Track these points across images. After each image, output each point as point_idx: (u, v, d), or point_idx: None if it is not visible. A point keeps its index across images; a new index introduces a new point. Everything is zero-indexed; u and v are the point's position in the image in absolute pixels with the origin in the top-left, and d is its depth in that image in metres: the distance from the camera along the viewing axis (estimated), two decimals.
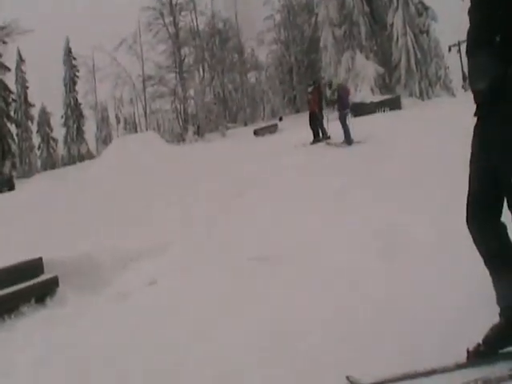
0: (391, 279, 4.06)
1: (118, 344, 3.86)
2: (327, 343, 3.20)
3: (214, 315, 4.08)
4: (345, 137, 14.85)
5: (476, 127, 2.74)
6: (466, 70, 2.75)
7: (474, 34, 2.66)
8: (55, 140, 54.41)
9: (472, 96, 2.74)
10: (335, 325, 3.45)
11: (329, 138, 16.47)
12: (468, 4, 2.69)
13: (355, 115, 26.16)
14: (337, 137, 15.37)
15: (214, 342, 3.55)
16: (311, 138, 17.37)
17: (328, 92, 24.90)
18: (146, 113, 45.47)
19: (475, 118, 2.74)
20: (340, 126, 15.14)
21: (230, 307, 4.20)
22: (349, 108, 15.82)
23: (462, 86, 33.83)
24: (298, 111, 44.75)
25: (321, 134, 17.21)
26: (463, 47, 2.91)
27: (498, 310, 2.77)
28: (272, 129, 31.54)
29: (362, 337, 3.20)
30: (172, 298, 4.75)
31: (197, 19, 46.39)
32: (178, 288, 5.01)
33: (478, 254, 2.76)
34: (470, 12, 2.70)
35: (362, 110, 28.07)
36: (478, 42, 2.61)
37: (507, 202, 2.65)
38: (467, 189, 2.78)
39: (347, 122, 15.03)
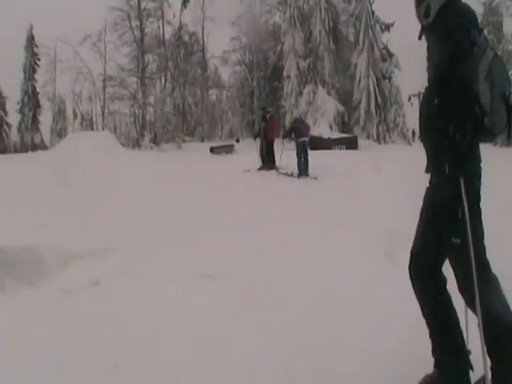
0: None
1: (54, 339, 3.79)
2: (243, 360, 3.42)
3: (153, 323, 4.11)
4: (298, 168, 15.44)
5: (430, 181, 2.87)
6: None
7: (427, 93, 2.82)
8: (9, 125, 52.79)
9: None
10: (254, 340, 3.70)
11: (276, 167, 16.89)
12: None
13: (312, 148, 27.01)
14: (292, 167, 15.93)
15: (151, 349, 3.60)
16: (264, 163, 17.74)
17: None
18: (103, 112, 44.75)
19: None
20: (296, 157, 15.66)
21: (170, 316, 4.24)
22: (305, 140, 15.93)
23: (419, 137, 35.06)
24: (255, 136, 44.26)
25: (274, 162, 17.52)
26: None
27: None
28: (228, 149, 31.65)
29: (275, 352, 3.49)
30: (113, 300, 4.70)
31: (163, 28, 46.23)
32: (120, 291, 4.95)
33: None
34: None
35: (319, 144, 28.74)
36: (427, 100, 2.78)
37: (449, 259, 2.82)
38: (414, 236, 2.92)
39: (302, 154, 15.51)
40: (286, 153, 16.93)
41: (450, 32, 2.59)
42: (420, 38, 2.93)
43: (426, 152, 2.88)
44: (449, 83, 2.49)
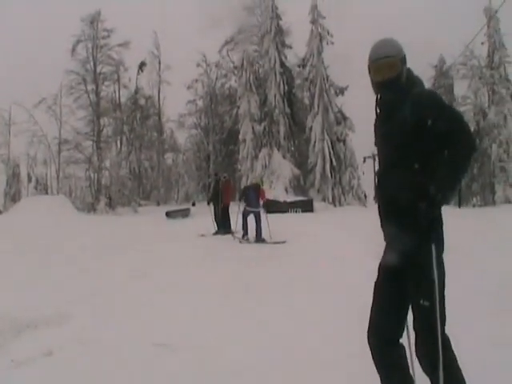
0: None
1: None
2: None
3: None
4: (242, 229, 15.66)
5: (385, 250, 3.02)
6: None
7: (392, 158, 2.93)
8: None
9: (379, 220, 3.03)
10: None
11: (232, 232, 16.83)
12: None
13: (267, 211, 26.87)
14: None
15: None
16: (219, 227, 17.91)
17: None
18: (58, 176, 43.89)
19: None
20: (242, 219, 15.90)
21: None
22: (254, 210, 15.88)
23: (374, 198, 35.66)
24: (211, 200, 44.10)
25: (230, 226, 17.55)
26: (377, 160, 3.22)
27: None
28: (184, 213, 31.41)
29: None
30: (64, 372, 4.59)
31: (119, 91, 46.36)
32: (72, 362, 4.83)
33: None
34: (383, 136, 3.04)
35: (274, 207, 28.71)
36: (397, 165, 2.89)
37: (413, 322, 2.84)
38: (371, 306, 3.00)
39: (255, 219, 15.57)
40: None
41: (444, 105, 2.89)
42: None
43: (388, 220, 2.97)
44: (453, 146, 2.67)
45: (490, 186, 36.48)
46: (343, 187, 37.59)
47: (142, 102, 49.70)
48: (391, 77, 2.93)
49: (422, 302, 2.69)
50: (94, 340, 5.52)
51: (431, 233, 2.71)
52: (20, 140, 43.78)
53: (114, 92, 46.01)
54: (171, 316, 6.53)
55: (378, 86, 3.01)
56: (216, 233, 17.56)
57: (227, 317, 6.39)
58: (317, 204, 32.58)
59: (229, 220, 17.87)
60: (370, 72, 3.05)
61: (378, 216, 3.07)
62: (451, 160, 2.63)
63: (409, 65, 3.05)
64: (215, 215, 18.46)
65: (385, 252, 3.01)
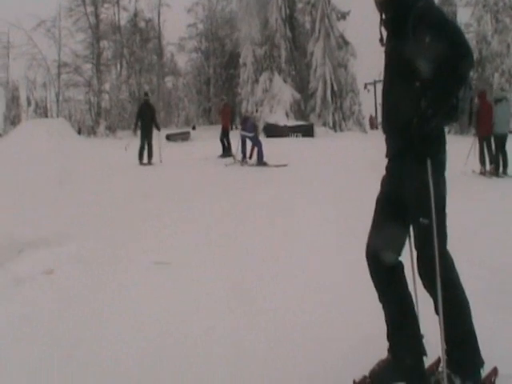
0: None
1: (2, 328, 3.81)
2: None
3: (107, 313, 4.11)
4: (257, 157, 15.99)
5: (387, 167, 3.00)
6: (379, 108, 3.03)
7: (394, 76, 2.89)
8: None
9: (383, 136, 3.02)
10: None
11: (232, 155, 17.25)
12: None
13: (267, 136, 27.14)
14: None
15: (103, 341, 3.59)
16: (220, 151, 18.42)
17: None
18: (58, 100, 43.69)
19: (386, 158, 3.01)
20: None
21: (120, 306, 4.26)
22: (252, 132, 16.23)
23: (382, 123, 35.40)
24: (211, 123, 44.65)
25: (229, 150, 18.08)
26: (379, 87, 3.24)
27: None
28: (184, 136, 31.63)
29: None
30: (65, 290, 4.69)
31: (119, 14, 45.67)
32: (73, 280, 4.93)
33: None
34: (386, 54, 2.94)
35: (275, 131, 28.92)
36: (398, 83, 2.85)
37: (413, 241, 2.85)
38: (371, 222, 3.00)
39: (259, 144, 16.07)
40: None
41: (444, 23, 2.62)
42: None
43: (390, 137, 2.96)
44: (446, 66, 2.52)
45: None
46: (344, 113, 37.27)
47: (141, 24, 48.88)
48: None
49: (421, 219, 2.69)
50: (94, 259, 5.67)
51: (427, 149, 2.67)
52: (19, 63, 43.39)
53: (114, 14, 45.35)
54: (171, 237, 6.70)
55: (380, 4, 2.89)
56: (221, 156, 18.08)
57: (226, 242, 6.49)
58: (317, 129, 32.53)
59: (228, 143, 18.35)
60: None
61: (381, 137, 3.11)
62: (445, 75, 2.54)
63: None
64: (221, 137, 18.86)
65: (386, 168, 3.00)
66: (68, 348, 3.46)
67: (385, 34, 2.95)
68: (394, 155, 2.92)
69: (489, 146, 13.49)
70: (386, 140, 2.99)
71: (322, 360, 3.19)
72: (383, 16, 2.92)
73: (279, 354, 3.32)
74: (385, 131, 3.00)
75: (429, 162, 2.66)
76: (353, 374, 2.84)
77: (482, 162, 13.59)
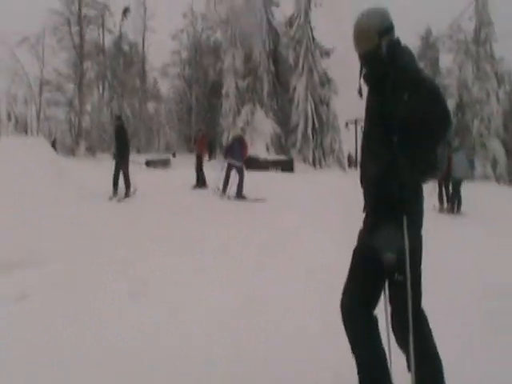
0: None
1: None
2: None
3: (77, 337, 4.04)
4: (237, 190, 15.38)
5: (364, 221, 2.98)
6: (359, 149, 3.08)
7: (372, 130, 2.91)
8: None
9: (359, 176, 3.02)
10: None
11: (206, 186, 17.12)
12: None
13: (247, 168, 27.06)
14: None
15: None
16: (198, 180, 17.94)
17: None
18: (39, 117, 43.31)
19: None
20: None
21: (98, 332, 4.19)
22: (241, 162, 15.78)
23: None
24: (192, 151, 44.12)
25: (202, 181, 17.77)
26: (359, 125, 3.22)
27: None
28: (165, 163, 31.54)
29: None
30: (38, 315, 4.56)
31: (104, 35, 45.59)
32: (47, 306, 4.82)
33: None
34: (366, 108, 2.99)
35: (255, 164, 28.88)
36: (377, 138, 2.85)
37: (388, 295, 2.87)
38: (347, 273, 2.98)
39: (242, 176, 15.48)
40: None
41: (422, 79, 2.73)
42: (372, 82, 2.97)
43: (366, 190, 2.98)
44: (424, 123, 2.59)
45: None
46: (324, 149, 37.59)
47: (126, 48, 49.05)
48: (369, 49, 2.88)
49: (396, 276, 2.68)
50: (69, 283, 5.56)
51: (403, 206, 2.67)
52: (1, 78, 42.98)
53: (99, 36, 45.18)
54: (148, 255, 6.77)
55: (360, 58, 2.97)
56: (196, 186, 17.62)
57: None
58: (297, 164, 32.75)
59: (203, 174, 17.87)
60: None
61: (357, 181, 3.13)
62: (423, 136, 2.59)
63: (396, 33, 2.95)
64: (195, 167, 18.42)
65: (363, 222, 2.98)
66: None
67: (364, 86, 3.00)
68: (370, 210, 2.92)
69: (447, 188, 15.72)
70: (364, 193, 3.01)
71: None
72: (363, 70, 2.98)
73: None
74: (362, 185, 3.02)
75: (405, 219, 2.67)
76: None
77: (441, 201, 15.72)
